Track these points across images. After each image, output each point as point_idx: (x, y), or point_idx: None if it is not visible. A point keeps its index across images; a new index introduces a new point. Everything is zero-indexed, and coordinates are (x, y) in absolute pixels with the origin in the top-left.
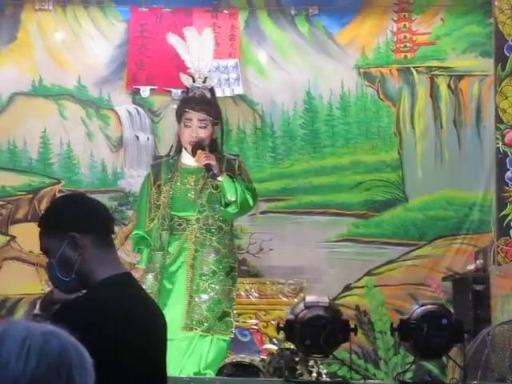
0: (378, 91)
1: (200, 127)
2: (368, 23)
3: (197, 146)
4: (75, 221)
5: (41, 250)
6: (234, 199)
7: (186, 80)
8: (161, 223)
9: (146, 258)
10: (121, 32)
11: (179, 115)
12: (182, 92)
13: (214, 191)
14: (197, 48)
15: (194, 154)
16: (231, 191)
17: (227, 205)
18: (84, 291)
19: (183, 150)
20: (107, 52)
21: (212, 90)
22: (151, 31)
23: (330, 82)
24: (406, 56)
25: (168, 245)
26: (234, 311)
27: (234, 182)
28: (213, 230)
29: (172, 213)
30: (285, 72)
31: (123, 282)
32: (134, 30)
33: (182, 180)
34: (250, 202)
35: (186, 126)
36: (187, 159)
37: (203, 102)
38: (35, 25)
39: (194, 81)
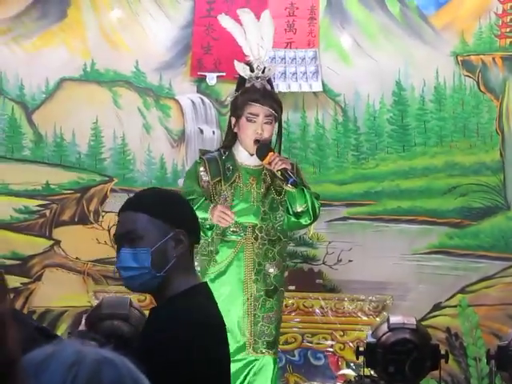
0: (478, 82)
1: (266, 123)
2: (469, 4)
3: (266, 147)
4: (185, 219)
5: (120, 233)
6: (303, 209)
7: (242, 69)
8: (216, 226)
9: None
10: (185, 11)
11: (240, 108)
12: (241, 82)
13: (276, 197)
14: (255, 33)
15: (261, 155)
16: (301, 200)
17: (296, 215)
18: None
19: (237, 146)
20: (169, 33)
21: (270, 82)
22: (220, 10)
23: (423, 72)
24: None
25: (216, 252)
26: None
27: (303, 189)
28: (274, 241)
29: None
30: (371, 59)
31: (208, 292)
32: (201, 9)
33: (244, 181)
34: (318, 212)
35: (249, 120)
36: (244, 157)
37: (268, 95)
38: (88, 0)
39: (251, 70)
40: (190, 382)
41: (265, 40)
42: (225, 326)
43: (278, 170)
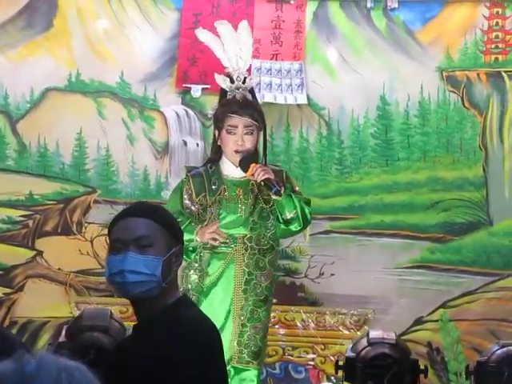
0: (462, 98)
1: (246, 134)
2: (455, 20)
3: (248, 159)
4: (182, 237)
5: (130, 238)
6: (293, 215)
7: (222, 81)
8: (203, 242)
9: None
10: (172, 22)
11: (220, 120)
12: (223, 94)
13: (265, 206)
14: (233, 45)
15: (244, 167)
16: (290, 207)
17: (286, 222)
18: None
19: (223, 159)
20: (155, 45)
21: (252, 91)
22: (206, 22)
23: (408, 86)
24: (497, 58)
25: (207, 265)
26: (267, 339)
27: (291, 195)
28: (265, 250)
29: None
30: (356, 73)
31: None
32: (187, 21)
33: (230, 193)
34: (309, 217)
35: (229, 132)
36: (230, 170)
37: (248, 106)
38: (74, 10)
39: (232, 81)
40: None
41: (243, 51)
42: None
43: (261, 181)
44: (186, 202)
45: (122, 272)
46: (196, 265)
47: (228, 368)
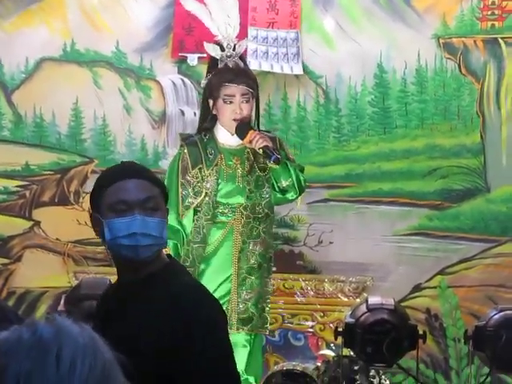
0: (459, 65)
1: (243, 102)
2: None
3: (245, 126)
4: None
5: (139, 199)
6: (289, 183)
7: (212, 50)
8: (204, 212)
9: (174, 253)
10: None
11: (215, 89)
12: (213, 63)
13: (260, 174)
14: (220, 12)
15: (241, 134)
16: (286, 175)
17: (282, 190)
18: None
19: (217, 127)
20: (151, 14)
21: (243, 58)
22: None
23: (405, 54)
24: (493, 25)
25: (208, 235)
26: (269, 305)
27: (287, 164)
28: (260, 218)
29: (217, 200)
30: (353, 42)
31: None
32: None
33: (227, 163)
34: (304, 184)
35: (226, 102)
36: (226, 138)
37: (242, 74)
38: None
39: (222, 49)
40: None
41: (231, 17)
42: None
43: (259, 148)
44: (181, 180)
45: (133, 235)
46: (197, 236)
47: None
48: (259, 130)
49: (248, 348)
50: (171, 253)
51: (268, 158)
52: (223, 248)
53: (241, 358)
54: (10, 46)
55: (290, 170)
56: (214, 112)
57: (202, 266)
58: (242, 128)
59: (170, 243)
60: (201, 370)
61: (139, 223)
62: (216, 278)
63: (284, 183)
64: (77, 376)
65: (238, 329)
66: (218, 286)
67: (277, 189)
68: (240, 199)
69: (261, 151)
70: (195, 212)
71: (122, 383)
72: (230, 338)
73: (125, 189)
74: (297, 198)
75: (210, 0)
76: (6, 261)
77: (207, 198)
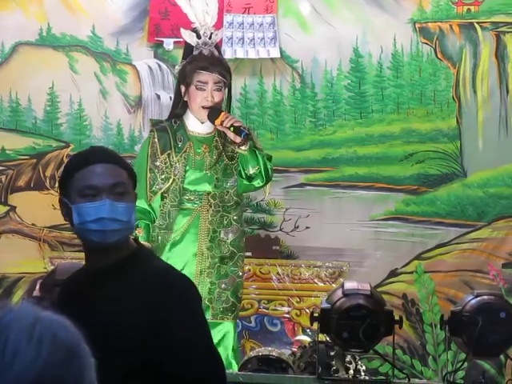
0: (435, 50)
1: (215, 90)
2: None
3: (217, 110)
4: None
5: (107, 183)
6: (255, 171)
7: (188, 37)
8: (170, 198)
9: (146, 234)
10: None
11: (189, 76)
12: (188, 50)
13: (229, 162)
14: (199, 0)
15: (212, 118)
16: (254, 162)
17: (249, 178)
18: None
19: (188, 115)
20: None
21: (217, 47)
22: None
23: (381, 39)
24: (469, 10)
25: (174, 221)
26: (241, 293)
27: (255, 151)
28: (229, 207)
29: (184, 186)
30: (329, 26)
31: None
32: None
33: (195, 150)
34: (271, 173)
35: (198, 88)
36: (195, 126)
37: (217, 62)
38: None
39: (198, 37)
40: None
41: (210, 6)
42: None
43: (230, 126)
44: (150, 165)
45: (101, 220)
46: (163, 222)
47: None
48: None
49: (234, 336)
50: (144, 233)
51: (239, 134)
52: (189, 235)
53: (228, 344)
54: None
55: (258, 157)
56: (185, 99)
57: (168, 253)
58: (214, 112)
59: (142, 224)
60: (184, 348)
61: (107, 208)
62: (179, 264)
63: (251, 170)
64: (20, 362)
65: (222, 318)
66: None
67: (244, 176)
68: (207, 187)
69: (232, 129)
70: (162, 198)
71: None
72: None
73: (93, 174)
74: (263, 185)
75: None
76: None
77: (174, 184)
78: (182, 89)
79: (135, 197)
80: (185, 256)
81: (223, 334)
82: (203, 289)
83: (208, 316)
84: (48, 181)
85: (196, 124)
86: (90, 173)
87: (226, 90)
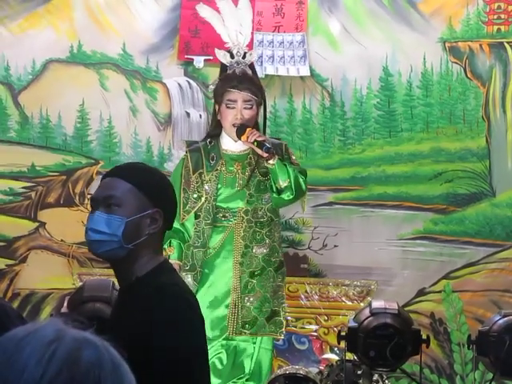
0: (465, 69)
1: (245, 108)
2: None
3: (243, 126)
4: (165, 201)
5: (98, 197)
6: (286, 184)
7: (222, 56)
8: (204, 217)
9: (178, 253)
10: None
11: (220, 95)
12: (222, 70)
13: (262, 179)
14: (233, 20)
15: (239, 135)
16: (284, 175)
17: (280, 191)
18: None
19: (223, 134)
20: (157, 16)
21: (252, 66)
22: None
23: (411, 57)
24: (499, 29)
25: (209, 239)
26: (284, 309)
27: (285, 165)
28: (263, 222)
29: (217, 204)
30: (359, 45)
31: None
32: None
33: (227, 168)
34: (304, 186)
35: (228, 107)
36: (229, 144)
37: (247, 80)
38: None
39: (232, 57)
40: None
41: (243, 26)
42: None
43: (254, 141)
44: (183, 185)
45: (87, 230)
46: (198, 240)
47: (223, 340)
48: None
49: (254, 355)
50: (175, 252)
51: (260, 148)
52: (224, 252)
53: (246, 365)
54: (17, 48)
55: (288, 170)
56: (218, 117)
57: (206, 270)
58: (241, 128)
59: (174, 242)
60: (159, 367)
61: (94, 219)
62: (219, 282)
63: (282, 183)
64: (24, 380)
65: (240, 333)
66: (220, 290)
67: (274, 189)
68: (240, 203)
69: (255, 144)
70: (196, 216)
71: None
72: (233, 344)
73: (97, 187)
74: (294, 199)
75: (225, 7)
76: (10, 262)
77: (207, 203)
78: (216, 108)
79: (141, 210)
80: (220, 273)
81: (241, 350)
82: (233, 303)
83: (230, 331)
84: (77, 197)
85: (229, 142)
86: (97, 186)
87: (260, 107)
